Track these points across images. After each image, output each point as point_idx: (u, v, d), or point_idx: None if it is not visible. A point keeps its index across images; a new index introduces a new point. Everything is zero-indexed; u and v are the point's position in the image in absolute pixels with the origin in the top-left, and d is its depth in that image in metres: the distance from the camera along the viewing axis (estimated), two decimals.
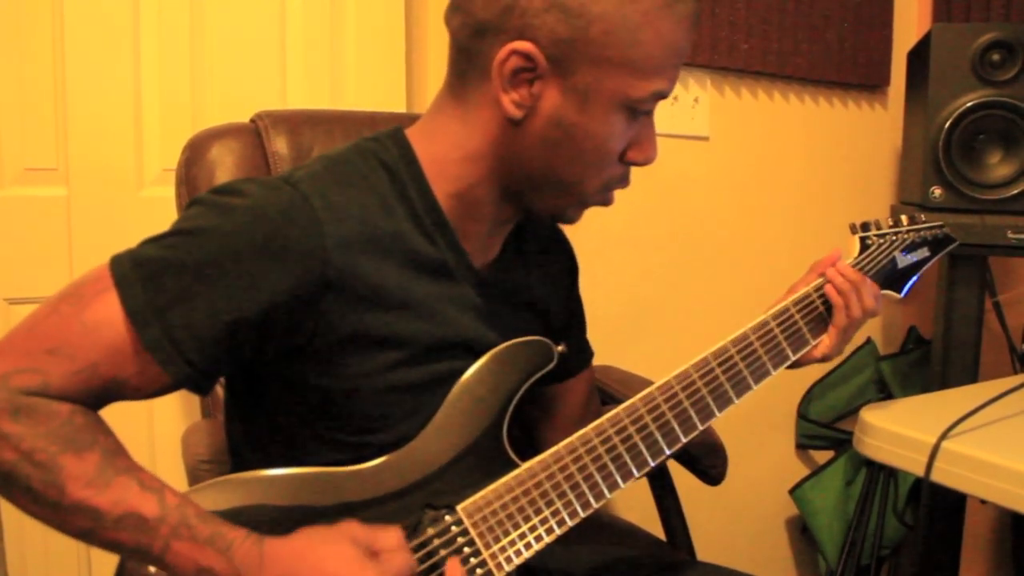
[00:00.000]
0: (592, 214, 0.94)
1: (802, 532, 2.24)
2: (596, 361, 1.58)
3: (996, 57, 1.68)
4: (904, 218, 1.13)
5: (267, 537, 0.74)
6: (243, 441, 0.92)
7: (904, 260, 1.10)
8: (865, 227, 1.09)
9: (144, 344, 0.75)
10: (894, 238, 1.10)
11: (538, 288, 1.01)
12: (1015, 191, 1.68)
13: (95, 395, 0.76)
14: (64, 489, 0.71)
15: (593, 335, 1.87)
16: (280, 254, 0.77)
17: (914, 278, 1.11)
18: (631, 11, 0.79)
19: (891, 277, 1.08)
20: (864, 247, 1.07)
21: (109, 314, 0.75)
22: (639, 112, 0.84)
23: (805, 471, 2.20)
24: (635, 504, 1.44)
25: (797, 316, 0.99)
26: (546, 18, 0.79)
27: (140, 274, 0.76)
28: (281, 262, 0.77)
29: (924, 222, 1.15)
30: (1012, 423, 1.25)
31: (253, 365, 0.82)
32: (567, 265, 1.09)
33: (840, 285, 1.00)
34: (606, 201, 0.91)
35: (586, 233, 0.92)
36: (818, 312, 1.01)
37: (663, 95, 0.84)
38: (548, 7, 0.78)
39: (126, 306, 0.75)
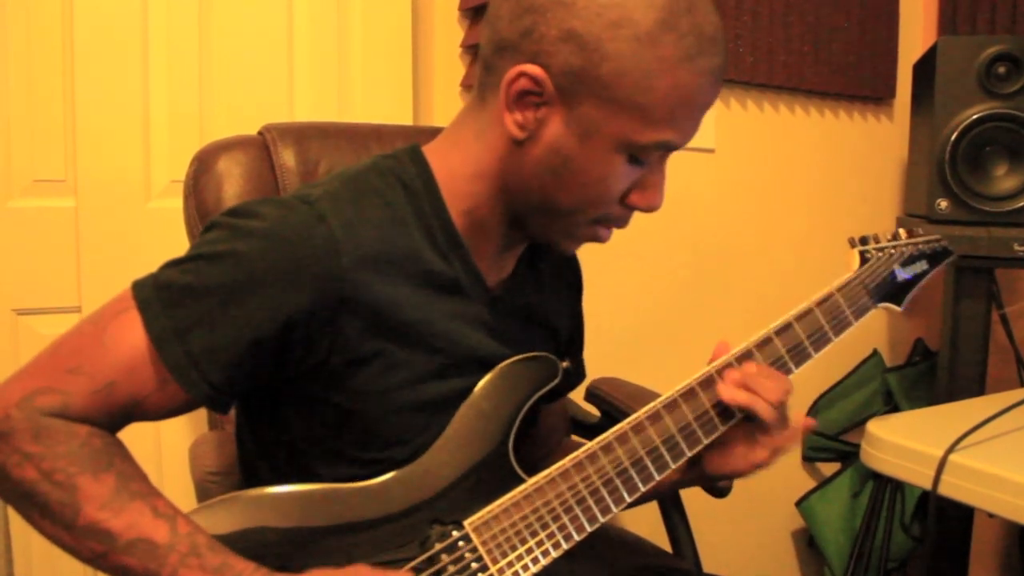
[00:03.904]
0: None
1: (808, 545, 2.23)
2: (603, 373, 1.58)
3: (1002, 69, 1.69)
4: (903, 232, 1.14)
5: (276, 573, 0.74)
6: (255, 456, 0.92)
7: (903, 273, 1.11)
8: (864, 241, 1.10)
9: (166, 365, 0.76)
10: (893, 252, 1.10)
11: (549, 307, 1.02)
12: (1021, 203, 1.68)
13: (114, 414, 0.77)
14: (79, 510, 0.72)
15: (600, 348, 1.88)
16: (298, 275, 0.78)
17: (913, 290, 1.12)
18: (648, 56, 0.77)
19: (891, 290, 1.09)
20: (863, 261, 1.08)
21: (130, 334, 0.76)
22: (641, 159, 0.82)
23: (811, 483, 2.20)
24: (641, 516, 1.43)
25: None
26: (561, 47, 0.78)
27: (162, 297, 0.77)
28: (299, 283, 0.78)
29: (922, 235, 1.15)
30: (1020, 436, 1.25)
31: (271, 383, 0.82)
32: (575, 284, 1.10)
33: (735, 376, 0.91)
34: (598, 237, 0.90)
35: (592, 245, 0.92)
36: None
37: (670, 146, 0.82)
38: (565, 37, 0.78)
39: (148, 328, 0.76)
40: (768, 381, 0.90)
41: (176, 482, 1.46)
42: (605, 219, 0.87)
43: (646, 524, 1.42)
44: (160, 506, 0.74)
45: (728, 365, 0.93)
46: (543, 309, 1.00)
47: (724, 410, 0.92)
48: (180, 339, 0.76)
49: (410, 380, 0.84)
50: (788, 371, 0.96)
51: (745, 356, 0.94)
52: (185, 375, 0.76)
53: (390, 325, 0.82)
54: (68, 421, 0.74)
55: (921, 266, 1.13)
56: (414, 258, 0.84)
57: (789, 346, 0.97)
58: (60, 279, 1.46)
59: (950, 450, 1.17)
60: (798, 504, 2.13)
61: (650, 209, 0.87)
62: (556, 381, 0.93)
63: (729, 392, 0.90)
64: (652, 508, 1.35)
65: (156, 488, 0.76)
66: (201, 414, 1.33)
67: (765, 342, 0.96)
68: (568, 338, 1.08)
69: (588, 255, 1.12)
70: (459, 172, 0.88)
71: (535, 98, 0.81)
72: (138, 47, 1.48)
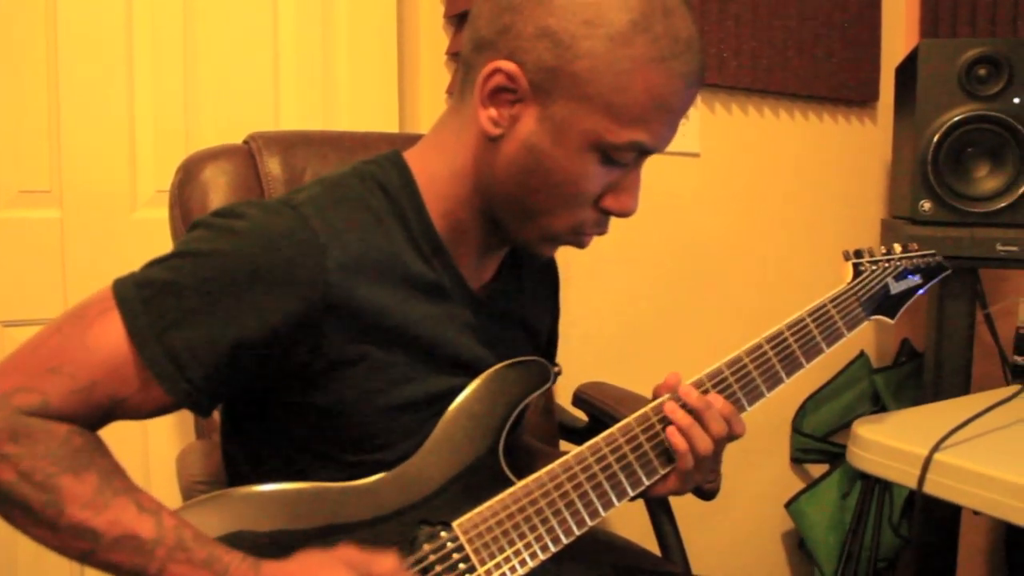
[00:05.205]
0: None
1: (799, 546, 2.24)
2: (591, 378, 1.59)
3: (982, 72, 1.70)
4: (897, 246, 1.16)
5: (263, 560, 0.75)
6: (241, 462, 0.92)
7: (897, 287, 1.12)
8: (858, 254, 1.11)
9: (145, 363, 0.75)
10: (887, 265, 1.12)
11: (531, 310, 1.02)
12: (1003, 204, 1.70)
13: (94, 414, 0.76)
14: (63, 510, 0.71)
15: (586, 352, 1.88)
16: (282, 277, 0.78)
17: (906, 304, 1.13)
18: (621, 55, 0.78)
19: (884, 303, 1.10)
20: (857, 273, 1.09)
21: (111, 333, 0.76)
22: (615, 159, 0.82)
23: (800, 485, 2.21)
24: (630, 519, 1.44)
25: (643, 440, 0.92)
26: (536, 44, 0.79)
27: (142, 295, 0.76)
28: (283, 285, 0.78)
29: (917, 250, 1.17)
30: (1004, 434, 1.26)
31: (253, 386, 0.82)
32: (554, 287, 1.11)
33: (681, 422, 0.91)
34: (579, 243, 0.89)
35: (577, 250, 0.93)
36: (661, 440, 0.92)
37: (643, 148, 0.82)
38: (540, 35, 0.79)
39: (128, 325, 0.75)
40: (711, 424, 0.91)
41: (164, 491, 1.45)
42: (582, 226, 0.87)
43: (635, 526, 1.42)
44: (144, 501, 0.74)
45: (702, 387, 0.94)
46: (525, 312, 1.01)
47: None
48: (159, 337, 0.76)
49: (393, 383, 0.84)
50: (779, 380, 0.98)
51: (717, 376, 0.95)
52: (165, 373, 0.76)
53: (374, 328, 0.82)
54: (46, 420, 0.73)
55: (914, 280, 1.14)
56: (397, 262, 0.85)
57: (781, 355, 0.98)
58: (45, 290, 1.46)
59: (935, 449, 1.18)
60: (787, 506, 2.14)
61: (624, 213, 0.87)
62: (548, 386, 0.94)
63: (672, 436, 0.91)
64: (641, 511, 1.35)
65: (137, 485, 0.76)
66: (188, 423, 1.33)
67: (756, 349, 0.97)
68: (547, 341, 1.09)
69: (574, 259, 1.13)
70: (438, 174, 0.88)
71: (509, 95, 0.82)
72: (123, 56, 1.48)
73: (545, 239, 0.89)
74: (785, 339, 0.98)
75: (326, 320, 0.80)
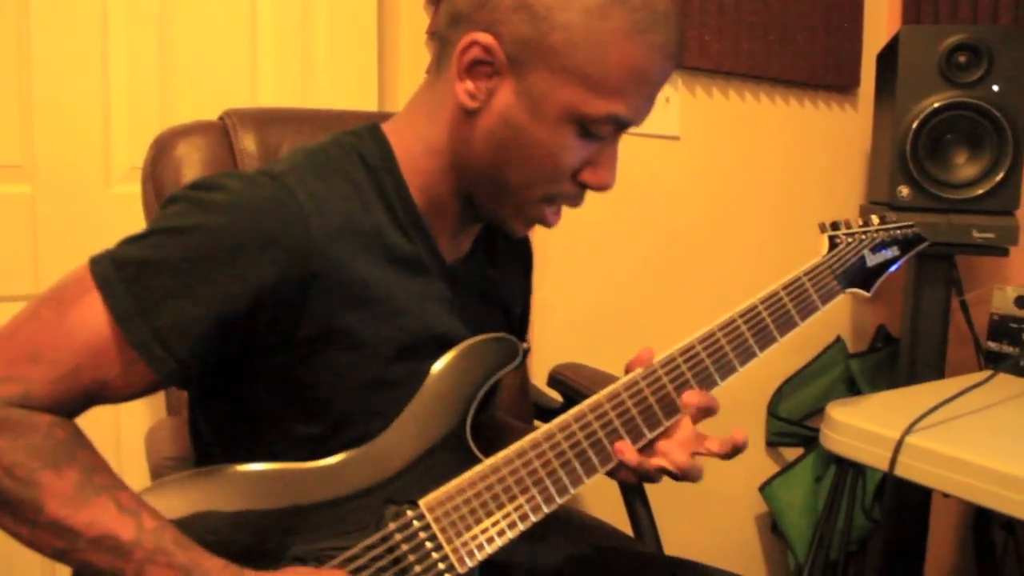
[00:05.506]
0: (563, 212, 0.94)
1: (772, 529, 2.26)
2: (567, 359, 1.59)
3: (962, 59, 1.71)
4: (875, 218, 1.15)
5: (247, 569, 0.74)
6: (210, 439, 0.91)
7: (873, 259, 1.11)
8: (835, 226, 1.10)
9: (132, 344, 0.74)
10: (863, 237, 1.11)
11: (505, 286, 1.02)
12: (980, 191, 1.71)
13: (77, 400, 0.75)
14: (42, 507, 0.71)
15: (563, 333, 1.88)
16: (267, 247, 0.77)
17: (883, 276, 1.13)
18: (599, 27, 0.78)
19: (860, 275, 1.09)
20: (832, 245, 1.08)
21: (92, 316, 0.74)
22: (592, 132, 0.83)
23: (775, 468, 2.22)
24: (604, 500, 1.44)
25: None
26: (513, 17, 0.79)
27: (123, 275, 0.75)
28: (267, 254, 0.77)
29: (894, 222, 1.16)
30: (975, 418, 1.27)
31: (234, 357, 0.81)
32: (527, 265, 1.11)
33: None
34: (544, 216, 0.89)
35: (556, 232, 0.92)
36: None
37: (620, 120, 0.83)
38: (517, 7, 0.79)
39: (111, 307, 0.74)
40: None
41: (135, 467, 1.44)
42: (556, 196, 0.87)
43: (608, 508, 1.43)
44: (125, 500, 0.73)
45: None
46: (499, 288, 1.01)
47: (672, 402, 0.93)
48: (144, 316, 0.74)
49: (373, 356, 0.83)
50: (752, 354, 0.97)
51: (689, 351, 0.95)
52: (152, 353, 0.75)
53: (357, 300, 0.82)
54: (28, 411, 0.73)
55: (893, 252, 1.14)
56: (378, 234, 0.84)
57: (754, 329, 0.97)
58: (16, 267, 1.44)
59: (907, 432, 1.19)
60: (761, 489, 2.16)
61: (602, 187, 0.87)
62: (516, 362, 0.93)
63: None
64: (615, 492, 1.35)
65: (120, 479, 0.75)
66: (159, 400, 1.32)
67: (729, 324, 0.96)
68: (520, 317, 1.08)
69: (552, 240, 1.12)
70: (414, 148, 0.88)
71: (486, 67, 0.82)
72: (97, 29, 1.46)
73: (519, 215, 0.89)
74: (759, 313, 0.98)
75: (310, 289, 0.79)
